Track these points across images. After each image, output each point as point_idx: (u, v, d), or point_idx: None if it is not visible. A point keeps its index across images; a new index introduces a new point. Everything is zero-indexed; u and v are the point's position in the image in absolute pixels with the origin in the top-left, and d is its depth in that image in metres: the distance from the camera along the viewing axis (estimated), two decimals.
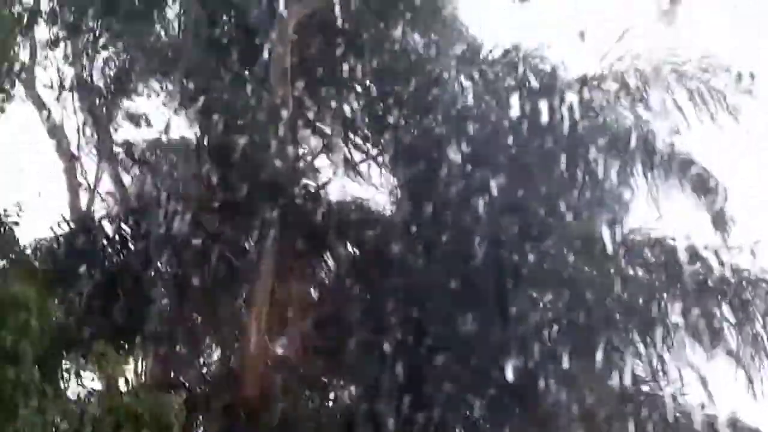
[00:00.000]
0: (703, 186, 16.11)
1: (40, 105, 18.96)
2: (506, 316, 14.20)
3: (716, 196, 16.02)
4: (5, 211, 14.88)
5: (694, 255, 14.89)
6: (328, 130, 18.07)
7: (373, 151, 17.90)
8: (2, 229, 15.62)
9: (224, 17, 17.99)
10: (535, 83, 15.81)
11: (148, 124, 18.84)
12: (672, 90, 15.99)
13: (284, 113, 15.84)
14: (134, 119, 18.58)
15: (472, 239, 14.44)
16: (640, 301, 14.42)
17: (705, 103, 15.85)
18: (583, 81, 16.02)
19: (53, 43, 18.84)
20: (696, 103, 15.86)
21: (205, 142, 17.54)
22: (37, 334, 11.85)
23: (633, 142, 15.55)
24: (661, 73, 16.07)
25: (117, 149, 18.78)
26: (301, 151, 17.61)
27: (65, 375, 14.30)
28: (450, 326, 14.29)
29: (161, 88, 19.01)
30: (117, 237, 17.82)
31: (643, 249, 15.62)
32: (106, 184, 18.95)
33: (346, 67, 15.84)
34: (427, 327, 14.66)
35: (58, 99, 19.13)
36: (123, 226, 17.90)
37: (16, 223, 14.93)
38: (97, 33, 18.85)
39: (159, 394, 12.88)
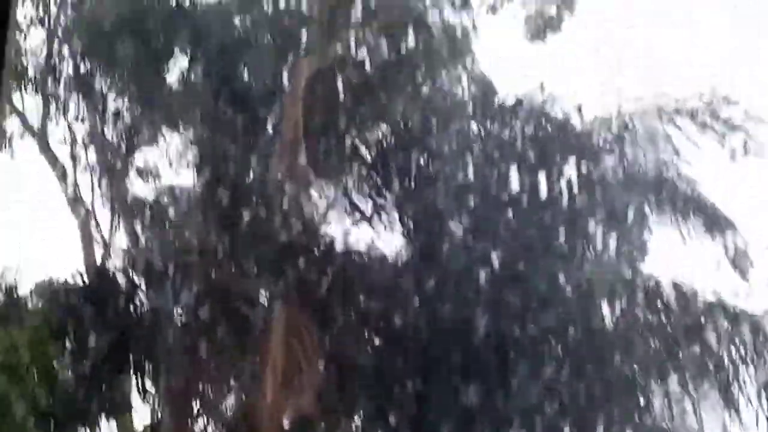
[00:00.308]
0: (720, 226, 16.27)
1: (53, 161, 19.31)
2: (508, 388, 14.47)
3: (733, 237, 16.18)
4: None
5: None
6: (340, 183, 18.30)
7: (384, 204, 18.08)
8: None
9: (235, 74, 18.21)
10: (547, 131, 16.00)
11: (157, 177, 19.13)
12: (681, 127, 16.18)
13: (297, 167, 16.13)
14: (144, 174, 18.89)
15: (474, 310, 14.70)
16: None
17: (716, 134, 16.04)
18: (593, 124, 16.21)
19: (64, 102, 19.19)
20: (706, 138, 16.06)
21: (217, 197, 17.87)
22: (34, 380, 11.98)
23: (648, 184, 15.73)
24: (666, 112, 16.25)
25: (131, 202, 19.05)
26: (313, 205, 17.86)
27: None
28: (452, 395, 14.60)
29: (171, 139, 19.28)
30: (130, 290, 18.20)
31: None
32: (121, 238, 19.23)
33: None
34: (430, 395, 14.95)
35: (71, 154, 19.43)
36: (136, 279, 18.24)
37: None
38: (108, 88, 19.16)
39: None
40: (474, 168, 15.12)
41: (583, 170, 14.73)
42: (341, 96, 15.33)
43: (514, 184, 14.91)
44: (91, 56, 18.59)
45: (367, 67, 15.22)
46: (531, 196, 14.83)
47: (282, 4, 16.10)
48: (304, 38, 15.55)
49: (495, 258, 14.72)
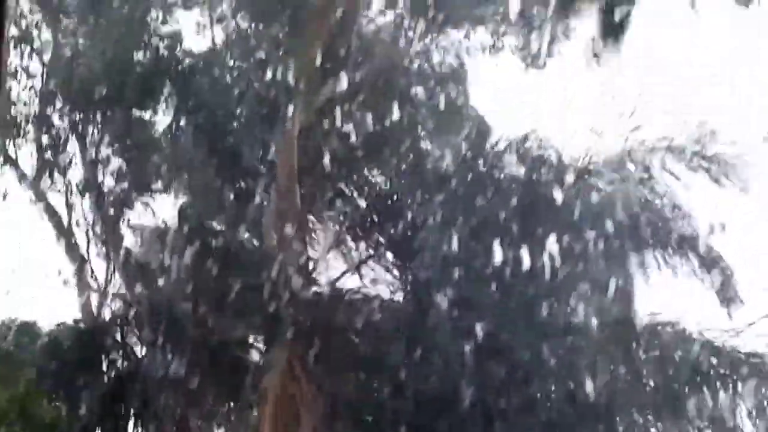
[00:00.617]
0: (710, 263, 16.52)
1: (48, 209, 19.56)
2: None
3: (723, 274, 16.44)
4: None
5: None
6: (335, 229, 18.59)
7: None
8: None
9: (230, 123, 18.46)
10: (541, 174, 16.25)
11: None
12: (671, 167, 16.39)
13: (291, 217, 16.43)
14: (135, 231, 19.13)
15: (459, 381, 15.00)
16: None
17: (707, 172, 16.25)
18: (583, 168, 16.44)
19: (60, 147, 19.43)
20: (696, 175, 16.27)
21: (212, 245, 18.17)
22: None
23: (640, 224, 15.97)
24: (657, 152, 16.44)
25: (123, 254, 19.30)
26: (308, 252, 18.15)
27: None
28: None
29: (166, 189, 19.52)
30: (126, 338, 18.55)
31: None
32: (117, 285, 19.51)
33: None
34: None
35: (66, 202, 19.67)
36: (132, 327, 18.57)
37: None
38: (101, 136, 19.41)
39: None
40: (458, 240, 15.32)
41: (565, 242, 14.92)
42: (328, 166, 15.51)
43: (497, 257, 15.11)
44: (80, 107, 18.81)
45: (353, 138, 15.40)
46: (514, 268, 15.05)
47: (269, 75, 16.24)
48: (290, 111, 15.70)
49: (479, 330, 14.96)
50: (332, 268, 18.03)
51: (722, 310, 16.69)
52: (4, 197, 18.96)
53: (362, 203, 16.67)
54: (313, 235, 18.49)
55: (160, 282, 17.75)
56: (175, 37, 18.86)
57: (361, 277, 17.40)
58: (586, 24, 16.88)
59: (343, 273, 18.25)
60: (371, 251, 18.04)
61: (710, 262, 16.61)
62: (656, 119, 17.36)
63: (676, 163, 16.82)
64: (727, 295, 16.60)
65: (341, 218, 18.30)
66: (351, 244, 18.13)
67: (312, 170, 17.38)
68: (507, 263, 15.17)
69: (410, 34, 17.24)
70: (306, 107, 16.36)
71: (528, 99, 18.53)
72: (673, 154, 16.74)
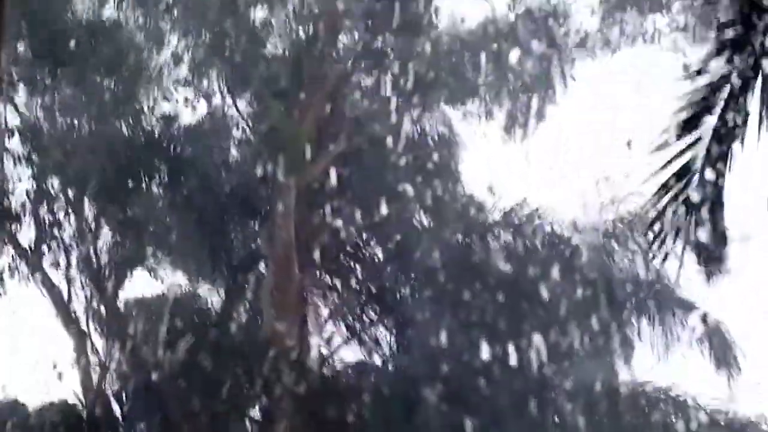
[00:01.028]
0: (708, 331, 16.71)
1: (48, 285, 19.80)
2: None
3: (721, 339, 16.64)
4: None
5: None
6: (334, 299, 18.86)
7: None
8: None
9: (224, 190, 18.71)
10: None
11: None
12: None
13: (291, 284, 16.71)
14: (129, 307, 19.37)
15: None
16: None
17: None
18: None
19: (57, 224, 19.70)
20: None
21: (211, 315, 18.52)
22: None
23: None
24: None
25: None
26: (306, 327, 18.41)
27: None
28: None
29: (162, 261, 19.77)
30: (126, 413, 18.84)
31: None
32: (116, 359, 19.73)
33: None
34: None
35: (65, 277, 19.91)
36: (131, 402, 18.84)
37: None
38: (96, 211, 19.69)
39: None
40: (447, 334, 15.55)
41: (551, 340, 15.14)
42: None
43: (485, 352, 15.33)
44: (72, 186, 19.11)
45: (342, 235, 15.65)
46: (501, 364, 15.27)
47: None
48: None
49: (469, 426, 15.19)
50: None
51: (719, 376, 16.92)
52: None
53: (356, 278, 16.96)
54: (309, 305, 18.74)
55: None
56: (170, 118, 19.13)
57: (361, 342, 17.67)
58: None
59: (338, 346, 18.52)
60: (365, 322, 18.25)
61: (708, 329, 16.80)
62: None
63: None
64: (726, 361, 16.80)
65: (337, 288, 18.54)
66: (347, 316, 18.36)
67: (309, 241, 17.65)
68: (495, 358, 15.39)
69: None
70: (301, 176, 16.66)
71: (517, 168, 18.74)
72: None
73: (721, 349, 16.78)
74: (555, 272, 15.55)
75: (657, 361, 16.86)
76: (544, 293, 15.31)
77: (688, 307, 16.95)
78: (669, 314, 16.95)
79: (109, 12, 19.27)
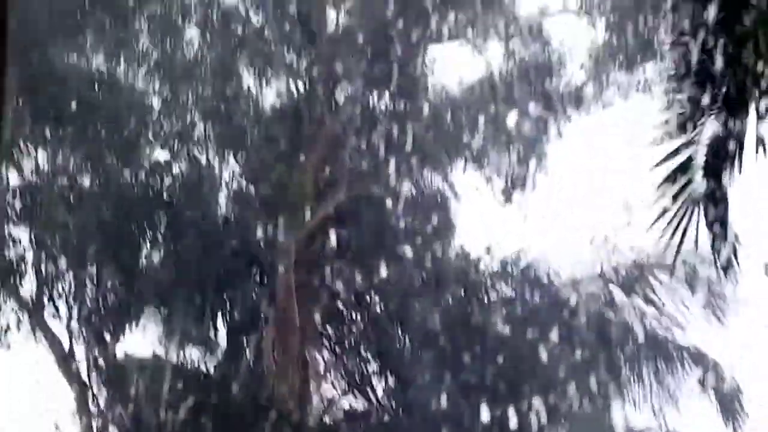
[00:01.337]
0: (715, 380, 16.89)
1: (49, 336, 19.93)
2: None
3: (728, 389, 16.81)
4: None
5: None
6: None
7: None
8: None
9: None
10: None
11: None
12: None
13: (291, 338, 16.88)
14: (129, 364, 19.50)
15: None
16: None
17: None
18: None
19: (56, 278, 19.84)
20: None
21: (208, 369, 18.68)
22: None
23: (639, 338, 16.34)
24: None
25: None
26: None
27: None
28: None
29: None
30: None
31: None
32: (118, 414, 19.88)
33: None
34: None
35: (67, 328, 20.05)
36: None
37: None
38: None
39: None
40: (447, 398, 15.74)
41: (551, 402, 15.33)
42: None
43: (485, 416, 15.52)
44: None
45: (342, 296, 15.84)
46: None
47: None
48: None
49: None
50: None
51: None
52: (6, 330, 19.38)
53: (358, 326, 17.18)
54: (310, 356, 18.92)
55: None
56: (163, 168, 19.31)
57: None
58: None
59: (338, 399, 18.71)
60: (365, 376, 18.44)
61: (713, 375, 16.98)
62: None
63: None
64: (731, 409, 16.99)
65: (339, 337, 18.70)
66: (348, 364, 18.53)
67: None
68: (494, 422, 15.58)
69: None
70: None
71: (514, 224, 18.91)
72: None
73: (728, 398, 16.97)
74: (554, 334, 15.73)
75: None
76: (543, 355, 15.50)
77: (696, 358, 17.12)
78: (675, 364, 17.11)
79: (104, 67, 19.43)
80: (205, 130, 18.70)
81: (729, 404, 17.05)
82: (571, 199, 19.47)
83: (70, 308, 20.16)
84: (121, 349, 20.14)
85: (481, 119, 17.15)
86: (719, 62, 7.97)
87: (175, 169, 19.25)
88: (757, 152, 8.11)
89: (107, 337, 20.08)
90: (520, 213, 19.05)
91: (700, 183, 8.43)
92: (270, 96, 18.48)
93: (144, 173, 19.34)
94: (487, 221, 18.73)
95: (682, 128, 8.26)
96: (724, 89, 8.12)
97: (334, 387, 18.83)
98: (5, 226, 19.32)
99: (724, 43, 7.94)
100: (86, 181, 19.39)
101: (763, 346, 17.55)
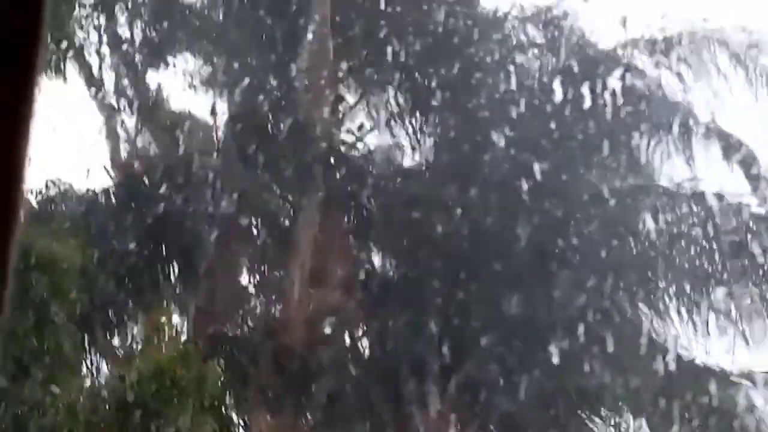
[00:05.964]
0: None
1: (80, 61, 18.96)
2: (550, 299, 14.55)
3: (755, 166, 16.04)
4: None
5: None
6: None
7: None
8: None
9: None
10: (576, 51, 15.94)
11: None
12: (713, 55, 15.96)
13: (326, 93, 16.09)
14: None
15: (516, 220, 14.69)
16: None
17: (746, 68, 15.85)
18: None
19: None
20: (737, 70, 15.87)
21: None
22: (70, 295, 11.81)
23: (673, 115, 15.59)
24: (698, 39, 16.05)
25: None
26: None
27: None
28: (493, 308, 14.66)
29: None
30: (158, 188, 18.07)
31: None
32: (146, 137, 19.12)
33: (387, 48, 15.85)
34: (471, 306, 15.01)
35: (98, 53, 19.13)
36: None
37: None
38: None
39: (202, 366, 12.18)
40: (517, 78, 14.96)
41: (627, 82, 14.59)
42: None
43: (557, 94, 14.76)
44: None
45: None
46: (574, 107, 14.71)
47: None
48: None
49: (537, 169, 14.60)
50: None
51: None
52: None
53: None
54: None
55: None
56: None
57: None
58: None
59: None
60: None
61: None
62: None
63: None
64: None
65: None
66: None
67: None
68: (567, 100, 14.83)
69: None
70: None
71: None
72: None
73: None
74: None
75: None
76: None
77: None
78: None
79: None
80: None
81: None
82: None
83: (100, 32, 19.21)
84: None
85: None
86: None
87: None
88: None
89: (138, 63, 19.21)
90: None
91: None
92: None
93: None
94: None
95: None
96: None
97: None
98: None
99: None
100: None
101: None
